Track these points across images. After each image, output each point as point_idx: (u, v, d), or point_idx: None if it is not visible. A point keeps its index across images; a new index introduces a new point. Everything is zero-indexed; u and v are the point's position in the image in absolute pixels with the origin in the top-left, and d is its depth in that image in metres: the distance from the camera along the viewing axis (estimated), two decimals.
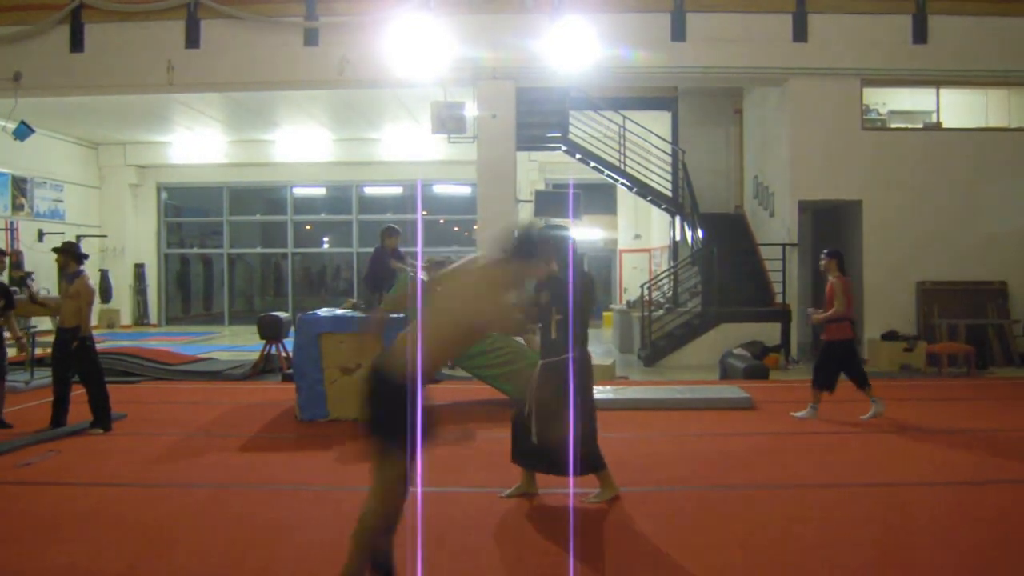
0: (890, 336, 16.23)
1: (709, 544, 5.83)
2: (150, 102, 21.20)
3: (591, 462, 6.68)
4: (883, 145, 17.08)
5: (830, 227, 18.82)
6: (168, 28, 16.92)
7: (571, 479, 6.48)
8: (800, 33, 16.75)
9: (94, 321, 10.85)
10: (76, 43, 16.93)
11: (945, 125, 17.60)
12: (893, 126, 18.01)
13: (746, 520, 6.40)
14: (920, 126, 17.91)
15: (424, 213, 28.55)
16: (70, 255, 10.03)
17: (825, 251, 11.25)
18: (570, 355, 6.58)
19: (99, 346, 10.63)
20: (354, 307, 12.41)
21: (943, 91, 17.65)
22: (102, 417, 9.84)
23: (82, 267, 10.04)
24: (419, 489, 6.73)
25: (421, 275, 11.43)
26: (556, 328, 6.66)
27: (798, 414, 10.75)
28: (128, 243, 26.98)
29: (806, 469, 8.10)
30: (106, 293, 25.11)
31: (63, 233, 21.66)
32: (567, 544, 5.68)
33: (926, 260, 16.70)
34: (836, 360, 10.79)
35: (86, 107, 21.41)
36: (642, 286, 18.32)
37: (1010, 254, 16.74)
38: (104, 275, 25.16)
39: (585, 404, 6.65)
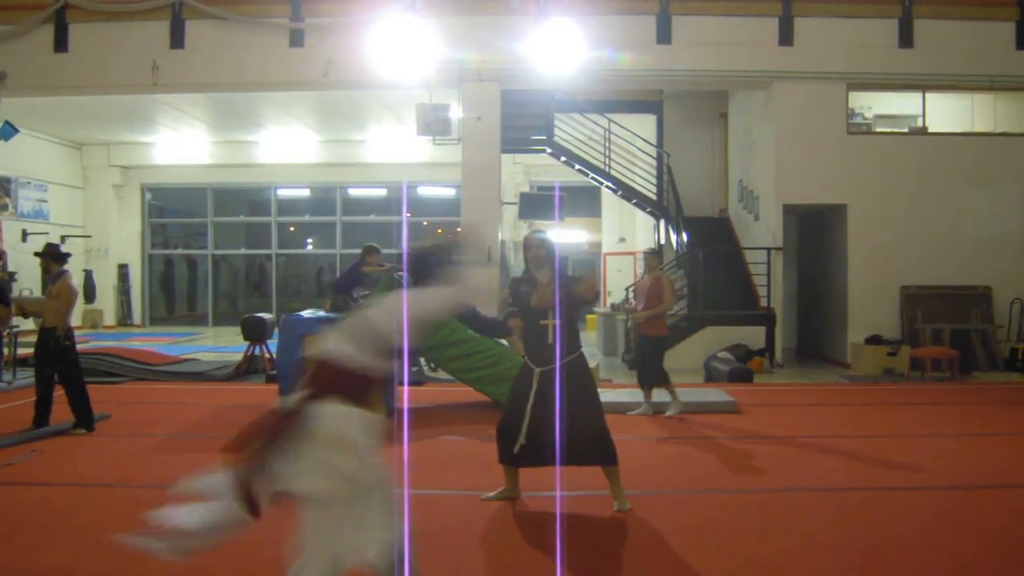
0: (874, 340, 16.25)
1: (693, 548, 5.81)
2: (134, 102, 21.09)
3: (613, 452, 6.71)
4: (868, 149, 17.10)
5: (815, 231, 18.87)
6: (153, 28, 16.90)
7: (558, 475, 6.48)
8: (786, 37, 16.80)
9: (78, 321, 10.83)
10: (60, 43, 16.89)
11: (931, 130, 17.62)
12: (879, 130, 18.02)
13: (730, 524, 6.39)
14: (906, 130, 17.94)
15: (408, 215, 28.46)
16: (50, 257, 9.97)
17: (650, 249, 11.56)
18: (557, 356, 6.57)
19: (82, 346, 10.57)
20: (332, 307, 12.39)
21: (929, 95, 17.67)
22: (84, 417, 9.78)
23: (64, 267, 9.97)
24: (406, 492, 6.79)
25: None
26: (551, 332, 6.64)
27: (669, 412, 10.90)
28: (112, 244, 26.85)
29: (791, 472, 8.10)
30: (90, 293, 24.98)
31: (47, 233, 21.52)
32: (552, 547, 5.66)
33: (910, 264, 16.72)
34: (659, 354, 10.99)
35: (70, 107, 21.31)
36: (627, 289, 18.31)
37: (995, 259, 16.78)
38: (88, 275, 25.02)
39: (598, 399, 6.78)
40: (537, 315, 6.70)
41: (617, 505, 6.67)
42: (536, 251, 6.88)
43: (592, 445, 6.57)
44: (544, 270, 6.83)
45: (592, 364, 14.48)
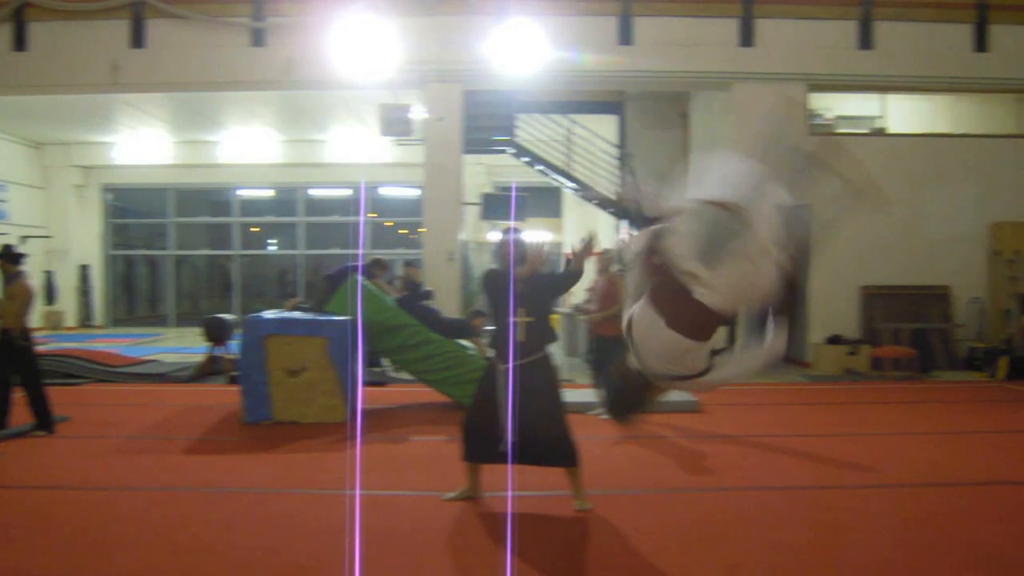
0: (834, 340, 16.35)
1: (653, 547, 5.85)
2: (95, 102, 20.87)
3: (575, 453, 6.73)
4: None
5: None
6: (113, 28, 16.70)
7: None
8: (746, 38, 16.86)
9: (38, 323, 10.72)
10: (19, 42, 16.66)
11: (891, 131, 17.75)
12: (840, 131, 18.10)
13: (690, 523, 6.43)
14: (866, 131, 18.07)
15: (371, 215, 28.41)
16: (5, 259, 9.88)
17: (603, 249, 11.53)
18: (510, 355, 6.61)
19: (43, 348, 10.46)
20: (298, 306, 12.33)
21: (889, 97, 17.80)
22: (44, 419, 9.72)
23: (21, 268, 9.89)
24: (365, 493, 6.82)
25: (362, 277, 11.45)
26: (525, 330, 6.66)
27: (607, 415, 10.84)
28: (73, 244, 26.59)
29: (752, 472, 8.15)
30: (51, 295, 24.76)
31: (6, 234, 21.33)
32: (513, 549, 5.68)
33: (870, 265, 16.81)
34: (616, 355, 10.98)
35: (29, 107, 21.11)
36: (588, 289, 18.30)
37: (953, 260, 16.90)
38: (49, 276, 24.81)
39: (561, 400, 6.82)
40: (506, 311, 6.69)
41: (578, 505, 6.69)
42: (508, 249, 6.88)
43: (554, 445, 6.59)
44: (519, 267, 6.81)
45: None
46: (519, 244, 6.90)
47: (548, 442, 6.57)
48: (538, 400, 6.54)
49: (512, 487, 6.46)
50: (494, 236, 13.85)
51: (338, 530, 6.09)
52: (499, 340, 6.81)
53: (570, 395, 11.57)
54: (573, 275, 6.95)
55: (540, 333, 6.72)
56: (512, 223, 7.49)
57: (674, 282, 3.85)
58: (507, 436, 6.50)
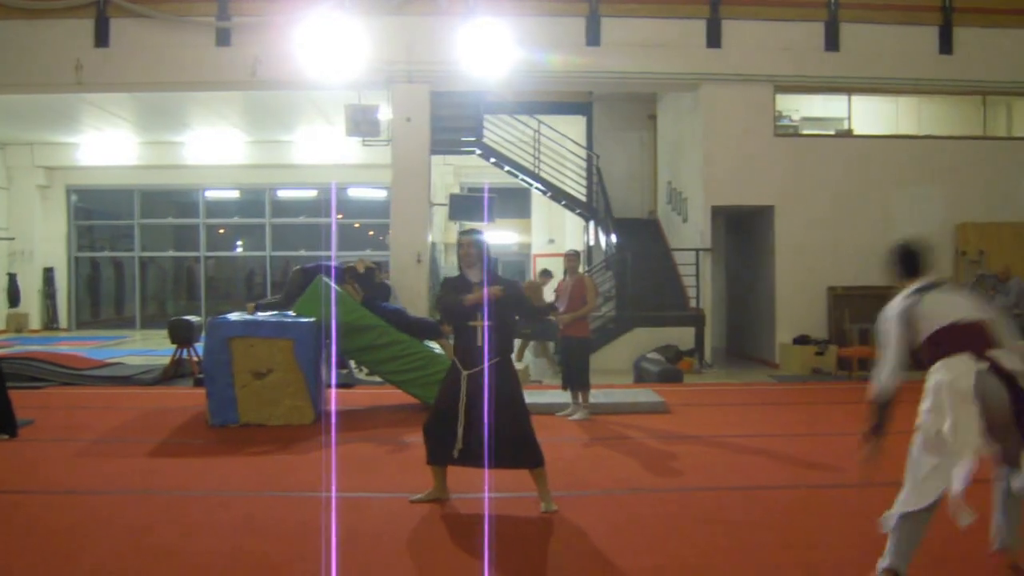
0: (802, 340, 16.46)
1: (620, 547, 5.81)
2: (58, 102, 20.67)
3: (539, 454, 6.71)
4: (795, 151, 17.32)
5: (743, 232, 19.04)
6: (76, 27, 16.59)
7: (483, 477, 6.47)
8: (714, 39, 16.98)
9: (1, 325, 10.60)
10: None
11: (857, 132, 17.87)
12: (805, 132, 18.25)
13: (657, 523, 6.40)
14: (832, 133, 18.20)
15: (338, 217, 28.27)
16: None
17: (570, 249, 11.85)
18: (486, 358, 6.61)
19: (6, 351, 10.35)
20: (256, 309, 12.24)
21: (855, 98, 17.92)
22: (7, 422, 9.54)
23: None
24: (333, 495, 6.75)
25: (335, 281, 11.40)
26: (482, 336, 6.64)
27: (575, 416, 10.88)
28: (37, 246, 26.24)
29: (721, 472, 8.14)
30: (14, 297, 24.49)
31: None
32: (480, 549, 5.66)
33: (837, 265, 16.94)
34: (584, 356, 11.08)
35: None
36: (556, 290, 18.30)
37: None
38: (12, 279, 24.55)
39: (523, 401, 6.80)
40: (466, 316, 6.68)
41: (544, 507, 6.65)
42: (467, 249, 6.87)
43: (518, 447, 6.57)
44: (475, 269, 6.84)
45: (521, 366, 14.63)
46: (480, 245, 6.89)
47: (512, 444, 6.54)
48: (500, 403, 6.52)
49: (487, 489, 6.46)
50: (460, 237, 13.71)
51: (305, 532, 6.05)
52: (458, 345, 6.82)
53: (537, 396, 11.71)
54: (540, 311, 6.98)
55: (500, 339, 6.68)
56: (472, 224, 7.49)
57: None
58: (459, 442, 6.54)
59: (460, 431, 6.54)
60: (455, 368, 6.75)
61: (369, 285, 12.18)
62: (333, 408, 10.65)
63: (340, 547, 5.61)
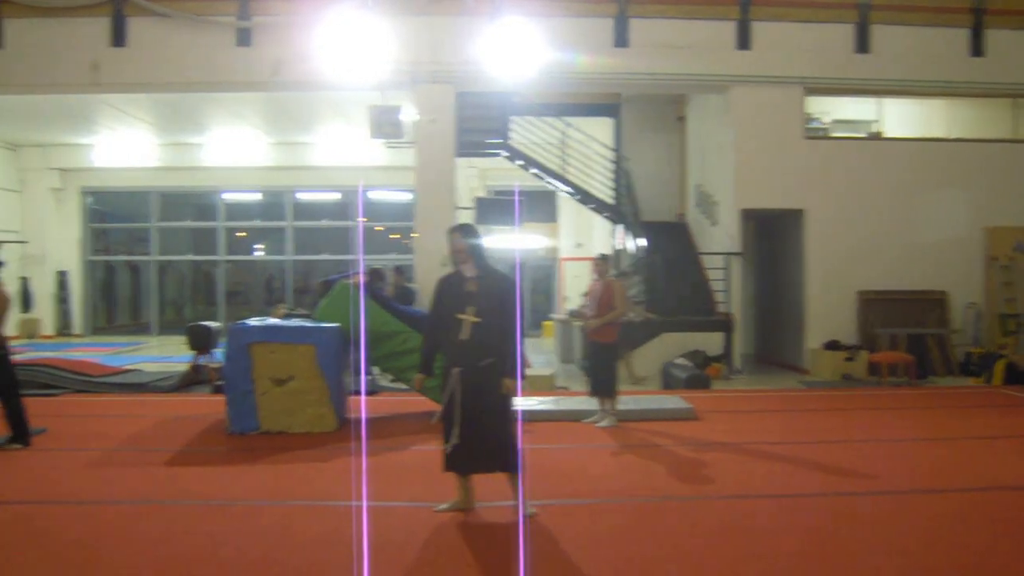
0: (832, 346, 16.25)
1: (653, 557, 5.77)
2: (74, 103, 20.48)
3: (515, 460, 6.61)
4: (825, 154, 17.07)
5: (773, 236, 18.76)
6: (93, 25, 16.36)
7: (520, 484, 6.46)
8: (743, 41, 16.74)
9: (14, 331, 10.39)
10: None
11: (887, 135, 17.67)
12: (836, 135, 18.01)
13: (686, 531, 6.37)
14: (863, 136, 17.98)
15: (363, 220, 28.02)
16: None
17: (599, 254, 11.53)
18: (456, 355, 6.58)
19: (19, 357, 10.22)
20: (287, 314, 12.01)
21: (885, 101, 17.72)
22: (20, 432, 9.45)
23: None
24: (364, 503, 6.54)
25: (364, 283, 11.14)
26: (471, 330, 6.54)
27: (602, 423, 10.71)
28: (50, 250, 26.12)
29: (749, 479, 8.05)
30: (27, 302, 24.31)
31: None
32: (508, 561, 5.58)
33: (867, 269, 16.73)
34: (611, 361, 10.87)
35: (5, 107, 20.76)
36: (583, 295, 18.07)
37: (950, 264, 16.84)
38: (24, 283, 24.38)
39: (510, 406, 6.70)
40: (453, 308, 6.59)
41: (528, 510, 6.59)
42: (458, 243, 6.75)
43: (494, 452, 6.51)
44: (469, 265, 6.71)
45: (548, 371, 14.41)
46: (471, 246, 6.75)
47: (489, 448, 6.51)
48: (486, 406, 6.48)
49: (521, 497, 6.41)
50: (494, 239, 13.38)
51: (329, 541, 6.00)
52: (447, 341, 6.68)
53: (564, 403, 11.51)
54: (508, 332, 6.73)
55: (492, 337, 6.51)
56: (462, 221, 7.32)
57: None
58: (454, 438, 6.50)
59: (456, 431, 6.50)
60: (446, 369, 6.66)
61: (404, 293, 11.99)
62: (363, 416, 10.41)
63: (365, 557, 5.55)
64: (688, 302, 17.11)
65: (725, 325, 16.24)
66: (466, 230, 6.81)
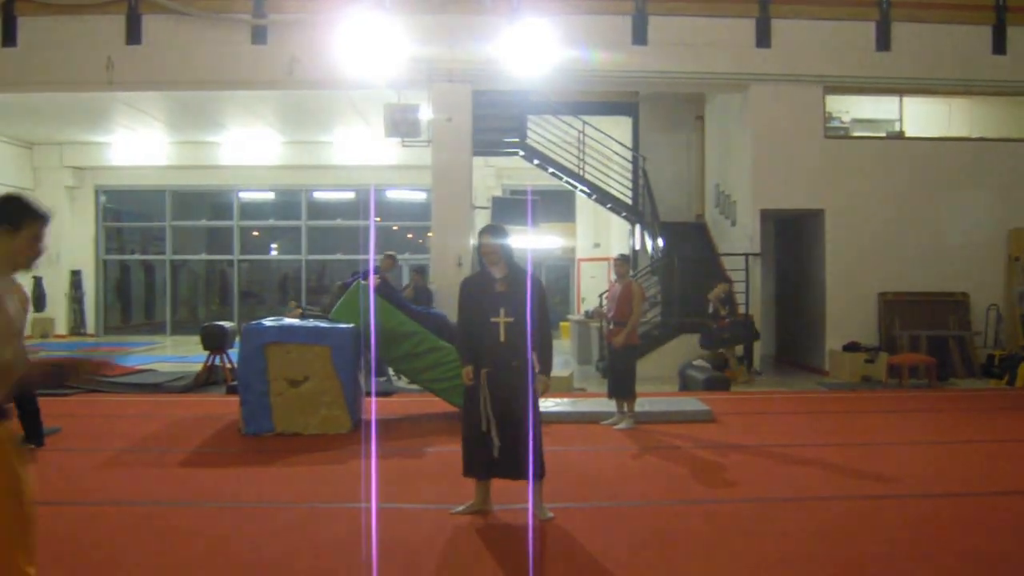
0: (852, 347, 16.10)
1: (672, 560, 5.71)
2: (88, 100, 20.36)
3: (543, 466, 6.56)
4: (846, 154, 16.95)
5: (792, 236, 18.60)
6: (107, 23, 16.36)
7: (530, 488, 6.38)
8: (763, 39, 16.62)
9: (28, 331, 10.29)
10: (8, 37, 16.32)
11: (909, 134, 17.51)
12: (856, 134, 17.86)
13: (705, 535, 6.29)
14: (883, 135, 17.80)
15: (377, 219, 27.95)
16: None
17: (620, 255, 11.55)
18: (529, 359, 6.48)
19: (31, 356, 10.07)
20: (302, 314, 11.91)
21: (906, 100, 17.55)
22: (33, 432, 9.33)
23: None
24: (374, 505, 6.43)
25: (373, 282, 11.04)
26: (505, 331, 6.47)
27: (620, 425, 10.59)
28: (64, 249, 25.96)
29: (769, 482, 7.96)
30: (40, 301, 24.27)
31: None
32: (524, 564, 5.51)
33: (888, 270, 16.61)
34: (630, 364, 10.77)
35: (19, 105, 20.65)
36: (601, 296, 17.95)
37: (971, 265, 16.69)
38: (38, 282, 24.33)
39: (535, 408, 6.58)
40: (487, 312, 6.49)
41: (540, 514, 6.54)
42: (490, 244, 6.60)
43: (523, 458, 6.39)
44: (499, 265, 6.59)
45: (566, 372, 14.30)
46: (506, 248, 6.65)
47: (517, 453, 6.40)
48: (513, 407, 6.42)
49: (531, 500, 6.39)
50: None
51: (344, 544, 5.93)
52: (482, 344, 6.57)
53: (581, 404, 11.39)
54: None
55: (521, 335, 6.45)
56: (492, 222, 7.20)
57: None
58: (497, 440, 6.43)
59: (495, 432, 6.42)
60: (476, 370, 6.55)
61: (422, 293, 11.88)
62: (373, 418, 10.30)
63: (380, 560, 5.53)
64: (706, 303, 16.95)
65: (744, 326, 16.07)
66: (497, 231, 6.67)
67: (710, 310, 15.54)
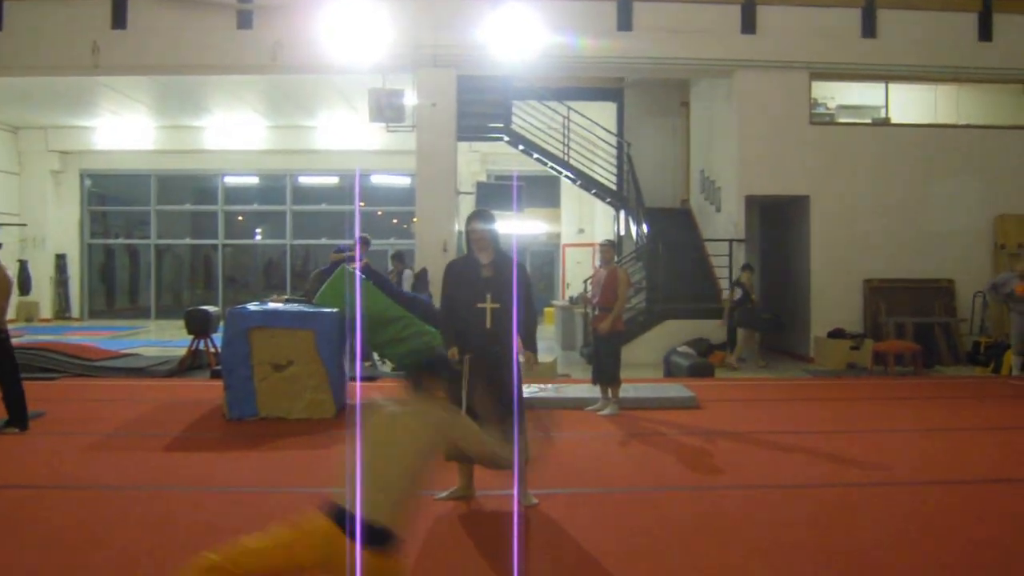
0: (837, 334, 16.09)
1: (655, 548, 5.70)
2: (73, 85, 20.42)
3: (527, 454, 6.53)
4: (831, 140, 16.96)
5: (777, 223, 18.62)
6: (93, 7, 16.27)
7: (515, 475, 6.15)
8: (748, 25, 16.61)
9: (12, 314, 10.30)
10: None
11: (894, 121, 17.54)
12: (841, 121, 17.86)
13: (690, 522, 6.27)
14: (869, 121, 17.81)
15: (361, 204, 27.91)
16: None
17: (606, 240, 11.59)
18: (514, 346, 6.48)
19: (16, 340, 10.12)
20: (287, 300, 11.91)
21: (892, 86, 17.57)
22: (18, 415, 9.33)
23: None
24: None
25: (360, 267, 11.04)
26: (492, 317, 6.46)
27: (604, 412, 10.60)
28: (49, 232, 26.00)
29: (754, 469, 7.96)
30: (25, 285, 24.19)
31: None
32: (507, 549, 5.44)
33: (874, 257, 16.62)
34: (615, 350, 10.76)
35: (4, 89, 20.63)
36: (585, 281, 17.98)
37: (957, 252, 16.72)
38: (23, 266, 24.26)
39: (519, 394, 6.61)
40: (474, 298, 6.48)
41: (525, 500, 6.56)
42: (479, 230, 6.61)
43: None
44: (487, 251, 6.59)
45: (550, 358, 14.31)
46: (494, 233, 6.66)
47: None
48: (498, 391, 6.31)
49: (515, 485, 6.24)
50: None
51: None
52: (467, 330, 6.56)
53: (566, 390, 11.40)
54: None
55: (508, 320, 6.45)
56: (479, 208, 7.20)
57: None
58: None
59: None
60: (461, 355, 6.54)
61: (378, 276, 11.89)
62: (358, 403, 10.28)
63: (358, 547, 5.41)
64: (691, 289, 17.02)
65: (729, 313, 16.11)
66: (486, 217, 6.67)
67: (736, 296, 15.63)
